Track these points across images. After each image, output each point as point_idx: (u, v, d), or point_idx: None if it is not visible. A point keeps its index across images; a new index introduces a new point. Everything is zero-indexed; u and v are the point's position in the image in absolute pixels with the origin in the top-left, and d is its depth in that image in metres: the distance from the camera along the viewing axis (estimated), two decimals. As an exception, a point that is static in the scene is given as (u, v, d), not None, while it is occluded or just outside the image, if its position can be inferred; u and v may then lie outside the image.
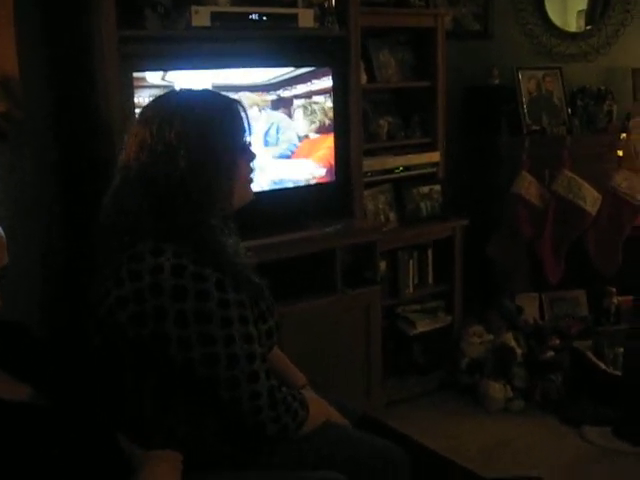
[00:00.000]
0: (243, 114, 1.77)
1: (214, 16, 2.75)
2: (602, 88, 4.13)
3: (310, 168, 3.21)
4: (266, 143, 3.04)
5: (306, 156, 3.18)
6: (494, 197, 3.97)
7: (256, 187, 1.90)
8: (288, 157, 3.12)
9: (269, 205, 2.84)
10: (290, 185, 3.16)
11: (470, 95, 4.11)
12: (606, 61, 4.31)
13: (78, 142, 2.78)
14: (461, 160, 4.05)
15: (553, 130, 4.01)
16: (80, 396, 1.54)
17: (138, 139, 1.68)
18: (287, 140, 3.11)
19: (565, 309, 4.08)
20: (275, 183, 3.11)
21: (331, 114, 3.21)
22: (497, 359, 3.67)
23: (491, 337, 3.76)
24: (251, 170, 1.83)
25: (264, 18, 2.91)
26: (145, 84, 2.70)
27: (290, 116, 3.09)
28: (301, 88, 3.11)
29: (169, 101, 1.75)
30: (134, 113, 2.59)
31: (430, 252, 3.79)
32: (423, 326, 3.71)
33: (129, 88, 2.65)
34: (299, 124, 3.12)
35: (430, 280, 3.82)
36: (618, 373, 3.51)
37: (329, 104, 3.20)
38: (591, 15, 4.37)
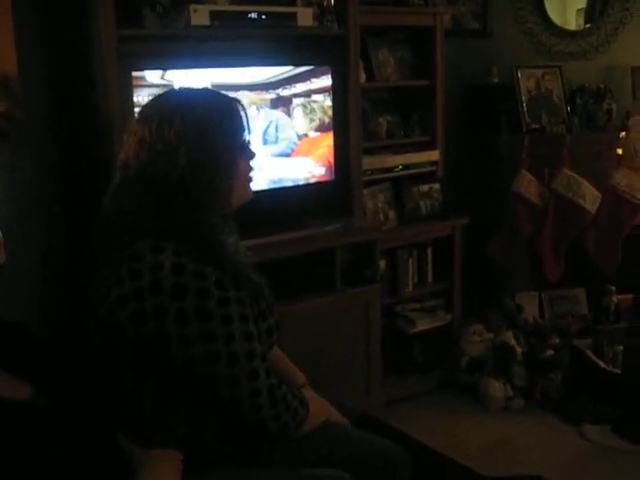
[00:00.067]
0: (242, 113, 1.76)
1: (213, 15, 2.75)
2: (601, 86, 4.13)
3: (309, 167, 3.21)
4: (265, 142, 3.04)
5: (305, 154, 3.18)
6: (494, 196, 3.97)
7: (256, 186, 1.90)
8: (288, 155, 3.12)
9: (269, 204, 2.84)
10: (289, 184, 3.16)
11: (469, 94, 4.11)
12: (605, 59, 4.32)
13: (78, 141, 2.78)
14: (461, 159, 4.05)
15: (552, 128, 4.01)
16: (80, 396, 1.54)
17: (137, 138, 1.68)
18: (286, 138, 3.11)
19: (565, 308, 4.08)
20: (274, 182, 3.11)
21: (330, 112, 3.21)
22: (497, 358, 3.67)
23: (491, 336, 3.77)
24: (250, 169, 1.82)
25: (263, 17, 2.90)
26: (144, 83, 2.70)
27: (289, 115, 3.09)
28: (300, 87, 3.11)
29: (168, 100, 1.75)
30: (133, 112, 2.59)
31: (430, 251, 3.78)
32: (423, 325, 3.71)
33: (128, 87, 2.65)
34: (298, 123, 3.12)
35: (430, 279, 3.82)
36: (618, 371, 3.52)
37: (328, 103, 3.20)
38: (590, 13, 4.37)
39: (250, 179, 1.84)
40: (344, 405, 2.04)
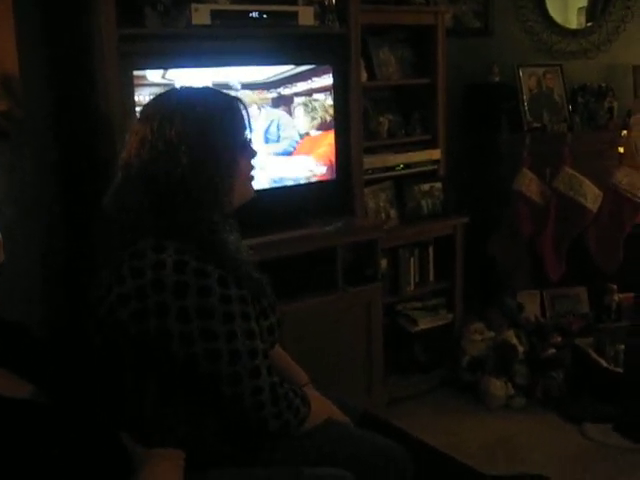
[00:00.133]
0: (244, 112, 1.77)
1: (214, 14, 2.75)
2: (603, 85, 4.13)
3: (311, 165, 3.21)
4: (267, 140, 3.04)
5: (307, 153, 3.18)
6: (495, 194, 3.97)
7: (257, 185, 1.90)
8: (289, 154, 3.12)
9: (270, 203, 2.84)
10: (291, 183, 3.16)
11: (470, 92, 4.10)
12: (607, 58, 4.30)
13: (78, 141, 2.78)
14: (462, 157, 4.05)
15: (554, 127, 4.01)
16: (81, 395, 1.54)
17: (139, 137, 1.69)
18: (288, 137, 3.11)
19: (566, 306, 4.08)
20: (276, 181, 3.11)
21: (332, 111, 3.21)
22: (498, 356, 3.67)
23: (492, 334, 3.77)
24: (252, 167, 1.83)
25: (264, 16, 2.90)
26: (145, 82, 2.70)
27: (290, 114, 3.09)
28: (301, 86, 3.11)
29: (170, 99, 1.75)
30: (134, 111, 2.59)
31: (431, 249, 3.78)
32: (424, 324, 3.71)
33: (129, 86, 2.65)
34: (299, 121, 3.12)
35: (431, 278, 3.82)
36: (619, 370, 3.52)
37: (329, 102, 3.20)
38: (592, 12, 4.36)
39: (251, 178, 1.84)
40: (346, 404, 2.04)
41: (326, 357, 3.06)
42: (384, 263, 3.52)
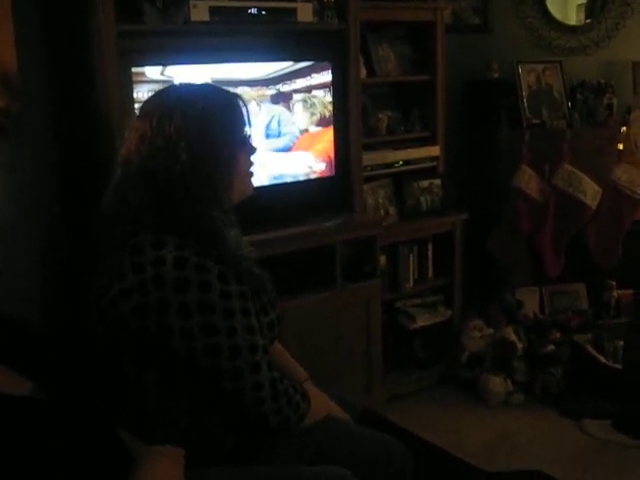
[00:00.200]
0: (243, 108, 1.77)
1: (213, 10, 2.75)
2: (602, 81, 4.12)
3: (310, 162, 3.20)
4: (267, 136, 3.04)
5: (306, 149, 3.17)
6: (494, 191, 3.97)
7: (256, 182, 1.90)
8: (287, 150, 3.11)
9: (269, 200, 2.84)
10: (290, 180, 3.16)
11: (470, 89, 4.10)
12: (606, 54, 4.30)
13: (78, 139, 2.78)
14: (461, 154, 4.05)
15: (553, 124, 4.00)
16: (80, 390, 1.54)
17: (138, 133, 1.69)
18: (289, 132, 3.11)
19: (565, 303, 4.08)
20: (275, 178, 3.11)
21: (331, 107, 3.21)
22: (497, 353, 3.68)
23: (491, 331, 3.77)
24: (251, 164, 1.83)
25: (263, 12, 2.90)
26: (144, 79, 2.69)
27: (289, 110, 3.09)
28: (300, 82, 3.10)
29: (169, 95, 1.75)
30: (133, 108, 2.59)
31: (430, 246, 3.79)
32: (423, 320, 3.72)
33: (128, 83, 2.65)
34: (299, 118, 3.12)
35: (430, 274, 3.82)
36: (618, 366, 3.52)
37: (328, 98, 3.20)
38: (591, 8, 4.35)
39: (251, 174, 1.84)
40: (345, 400, 2.04)
41: (325, 354, 3.07)
42: (383, 260, 3.52)
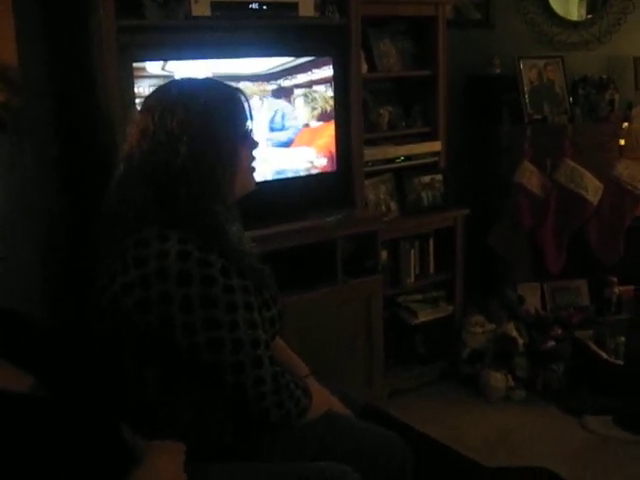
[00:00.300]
0: (245, 103, 1.77)
1: (214, 5, 2.74)
2: (604, 77, 4.11)
3: (311, 157, 3.20)
4: (272, 130, 3.04)
5: (307, 144, 3.17)
6: (495, 186, 3.97)
7: (258, 177, 1.90)
8: (288, 144, 3.10)
9: (270, 195, 2.84)
10: (291, 175, 3.15)
11: (471, 84, 4.10)
12: (608, 50, 4.29)
13: (78, 134, 2.77)
14: (462, 149, 4.04)
15: (555, 119, 3.99)
16: (82, 386, 1.54)
17: (140, 128, 1.70)
18: (293, 126, 3.11)
19: (567, 299, 4.08)
20: (276, 173, 3.10)
21: (332, 102, 3.20)
22: (498, 349, 3.68)
23: (492, 327, 3.77)
24: (253, 158, 1.83)
25: (264, 7, 2.89)
26: (145, 74, 2.69)
27: (291, 105, 3.08)
28: (301, 77, 3.10)
29: (171, 90, 1.75)
30: (134, 103, 2.59)
31: (431, 242, 3.78)
32: (424, 316, 3.71)
33: (129, 78, 2.64)
34: (300, 112, 3.11)
35: (431, 270, 3.82)
36: (619, 363, 3.52)
37: (330, 93, 3.19)
38: (593, 3, 4.34)
39: (253, 169, 1.84)
40: (346, 396, 2.04)
41: (326, 349, 3.06)
42: (384, 255, 3.51)
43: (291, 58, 3.06)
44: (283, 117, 3.06)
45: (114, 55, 2.57)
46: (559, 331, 3.76)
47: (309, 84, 3.13)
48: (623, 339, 3.59)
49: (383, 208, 3.62)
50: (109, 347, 1.70)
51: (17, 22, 2.41)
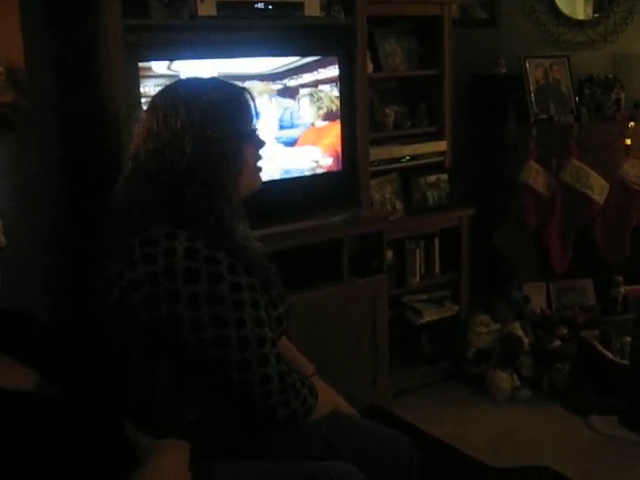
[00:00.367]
0: (250, 102, 1.77)
1: (220, 5, 2.75)
2: (610, 76, 4.10)
3: (317, 156, 3.20)
4: (282, 128, 3.05)
5: (312, 143, 3.17)
6: (501, 186, 3.96)
7: (265, 176, 1.90)
8: (293, 144, 3.10)
9: (276, 194, 2.84)
10: (297, 174, 3.15)
11: (477, 84, 4.09)
12: (614, 49, 4.28)
13: (84, 133, 2.78)
14: (468, 149, 4.03)
15: (560, 119, 3.98)
16: (86, 384, 1.54)
17: (146, 127, 1.71)
18: (302, 124, 3.12)
19: (572, 298, 4.07)
20: (287, 172, 3.11)
21: (337, 102, 3.20)
22: (504, 348, 3.67)
23: (498, 326, 3.76)
24: (259, 157, 1.83)
25: (270, 7, 2.90)
26: (151, 74, 2.69)
27: (297, 105, 3.09)
28: (307, 77, 3.10)
29: (177, 90, 1.76)
30: (140, 103, 2.60)
31: (437, 241, 3.78)
32: (430, 315, 3.71)
33: (135, 78, 2.65)
34: (305, 112, 3.12)
35: (437, 269, 3.81)
36: (625, 362, 3.51)
37: (335, 93, 3.19)
38: (599, 3, 4.33)
39: (259, 168, 1.84)
40: (352, 395, 2.04)
41: (332, 349, 3.06)
42: (390, 255, 3.51)
43: (297, 58, 3.07)
44: (292, 115, 3.07)
45: (120, 55, 2.57)
46: (565, 331, 3.75)
47: (315, 84, 3.13)
48: (629, 339, 3.59)
49: (389, 208, 3.62)
50: (116, 343, 1.71)
51: (24, 23, 2.41)
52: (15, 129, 2.40)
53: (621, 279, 3.97)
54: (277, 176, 3.08)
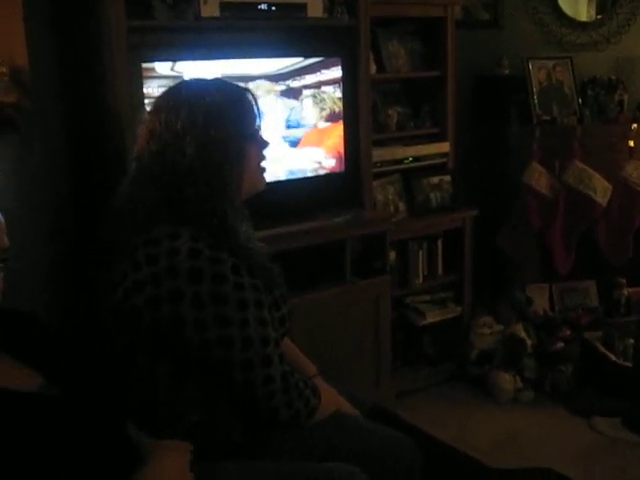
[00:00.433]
0: (253, 102, 1.77)
1: (223, 6, 2.75)
2: (613, 78, 4.10)
3: (319, 157, 3.20)
4: (288, 127, 3.05)
5: (315, 144, 3.17)
6: (504, 187, 3.96)
7: (269, 177, 1.90)
8: (295, 144, 3.11)
9: (279, 195, 2.84)
10: (300, 175, 3.15)
11: (480, 85, 4.09)
12: (617, 50, 4.28)
13: (87, 133, 2.78)
14: (471, 150, 4.03)
15: (564, 120, 3.98)
16: (89, 385, 1.54)
17: (149, 129, 1.71)
18: (308, 124, 3.12)
19: (575, 300, 4.07)
20: (288, 173, 3.10)
21: (340, 103, 3.20)
22: (507, 350, 3.67)
23: (501, 328, 3.76)
24: (262, 158, 1.83)
25: (273, 8, 2.90)
26: (154, 75, 2.69)
27: (297, 106, 3.09)
28: (310, 78, 3.10)
29: (180, 91, 1.76)
30: (144, 104, 2.60)
31: (440, 242, 3.78)
32: (433, 317, 3.71)
33: (138, 79, 2.65)
34: (308, 113, 3.12)
35: (440, 271, 3.81)
36: (628, 364, 3.51)
37: (338, 94, 3.19)
38: (602, 4, 4.33)
39: (263, 168, 1.84)
40: (354, 396, 2.05)
41: (334, 350, 3.06)
42: (393, 256, 3.51)
43: (300, 59, 3.07)
44: (298, 114, 3.07)
45: (123, 55, 2.57)
46: (567, 332, 3.75)
47: (318, 85, 3.13)
48: (632, 341, 3.59)
49: (392, 209, 3.62)
50: (120, 343, 1.71)
51: (27, 24, 2.42)
52: (18, 130, 2.41)
53: (624, 281, 3.96)
54: (283, 177, 3.08)
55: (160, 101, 1.76)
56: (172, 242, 1.63)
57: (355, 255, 3.20)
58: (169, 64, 2.73)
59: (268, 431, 1.77)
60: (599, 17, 4.31)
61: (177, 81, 1.88)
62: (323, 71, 3.13)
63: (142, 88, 2.65)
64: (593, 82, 4.10)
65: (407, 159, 3.64)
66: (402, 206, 3.68)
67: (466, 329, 3.80)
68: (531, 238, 3.89)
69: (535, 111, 3.95)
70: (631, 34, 4.26)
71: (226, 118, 1.70)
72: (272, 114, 2.95)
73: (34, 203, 2.60)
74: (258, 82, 2.88)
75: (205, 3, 2.71)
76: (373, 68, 3.42)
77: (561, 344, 3.67)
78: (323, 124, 3.18)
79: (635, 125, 3.91)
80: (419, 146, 3.68)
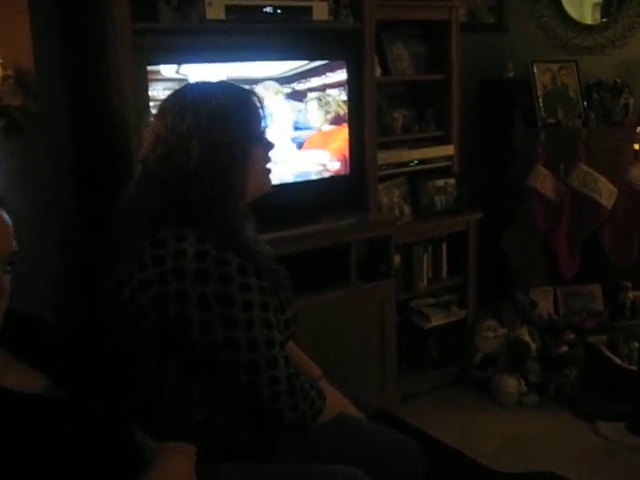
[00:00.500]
0: (258, 105, 1.77)
1: (228, 9, 2.75)
2: (618, 81, 4.10)
3: (324, 160, 3.20)
4: (296, 129, 3.06)
5: (320, 147, 3.17)
6: (509, 191, 3.95)
7: (275, 179, 1.90)
8: (300, 146, 3.11)
9: (283, 198, 2.83)
10: (304, 178, 3.16)
11: (485, 88, 4.09)
12: (622, 54, 4.28)
13: (93, 136, 2.79)
14: (476, 153, 4.03)
15: (569, 123, 3.98)
16: (95, 389, 1.54)
17: (155, 132, 1.72)
18: (312, 127, 3.13)
19: (580, 303, 4.06)
20: (295, 176, 3.11)
21: (345, 106, 3.20)
22: (511, 353, 3.67)
23: (505, 331, 3.76)
24: (268, 160, 1.83)
25: (278, 11, 2.90)
26: (159, 77, 2.70)
27: (304, 108, 3.09)
28: (315, 81, 3.10)
29: (185, 94, 1.76)
30: (149, 106, 2.60)
31: (444, 246, 3.78)
32: (437, 320, 3.71)
33: (143, 81, 2.65)
34: (313, 116, 3.12)
35: (444, 274, 3.81)
36: (633, 368, 3.50)
37: (343, 97, 3.19)
38: (607, 7, 4.33)
39: (268, 170, 1.84)
40: (359, 399, 2.04)
41: (339, 353, 3.06)
42: (397, 259, 3.51)
43: (305, 62, 3.07)
44: (306, 117, 3.09)
45: (129, 58, 2.58)
46: (572, 336, 3.74)
47: (323, 88, 3.13)
48: (637, 344, 3.58)
49: (396, 212, 3.62)
50: (126, 343, 1.71)
51: (33, 27, 2.43)
52: (25, 133, 2.41)
53: (629, 284, 3.95)
54: (290, 179, 3.09)
55: (165, 104, 1.76)
56: (179, 244, 1.63)
57: (360, 258, 3.20)
58: (174, 67, 2.74)
59: (273, 433, 1.77)
60: (604, 20, 4.31)
61: (182, 84, 1.88)
62: (328, 74, 3.14)
63: (147, 91, 2.65)
64: (598, 85, 4.10)
65: (412, 162, 3.64)
66: (407, 209, 3.68)
67: (470, 332, 3.80)
68: (536, 241, 3.89)
69: (540, 114, 3.95)
70: (636, 37, 4.26)
71: (231, 121, 1.71)
72: (281, 115, 2.96)
73: (41, 205, 2.60)
74: (267, 83, 2.89)
75: (210, 5, 2.71)
76: (378, 71, 3.43)
77: (565, 348, 3.67)
78: (328, 127, 3.18)
79: (640, 128, 3.90)
80: (424, 149, 3.68)
